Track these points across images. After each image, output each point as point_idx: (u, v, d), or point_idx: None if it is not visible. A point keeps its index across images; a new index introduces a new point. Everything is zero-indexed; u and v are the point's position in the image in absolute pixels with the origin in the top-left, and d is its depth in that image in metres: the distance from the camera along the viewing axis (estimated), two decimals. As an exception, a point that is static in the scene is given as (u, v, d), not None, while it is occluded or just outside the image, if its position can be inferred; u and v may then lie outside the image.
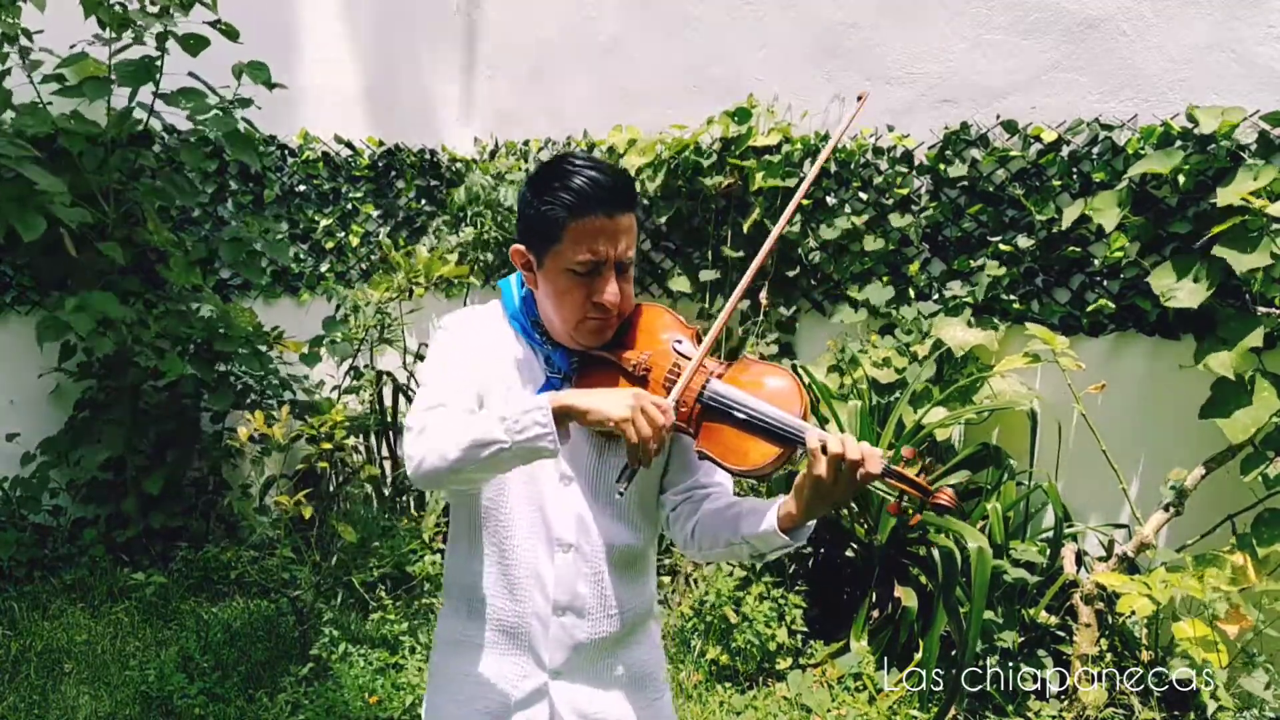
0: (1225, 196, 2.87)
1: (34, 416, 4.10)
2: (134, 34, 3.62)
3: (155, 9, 3.61)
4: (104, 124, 3.80)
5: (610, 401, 1.28)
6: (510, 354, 1.52)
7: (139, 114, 3.86)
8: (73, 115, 3.79)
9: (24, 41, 3.53)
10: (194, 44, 3.72)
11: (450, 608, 1.59)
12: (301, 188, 4.89)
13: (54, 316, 3.62)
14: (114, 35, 3.61)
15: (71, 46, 3.71)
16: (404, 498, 4.65)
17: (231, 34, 3.78)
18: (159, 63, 3.71)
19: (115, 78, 3.66)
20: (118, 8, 3.56)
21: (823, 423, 3.52)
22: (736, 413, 1.39)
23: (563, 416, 1.29)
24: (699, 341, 1.49)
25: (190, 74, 3.81)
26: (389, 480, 4.64)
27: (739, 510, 1.45)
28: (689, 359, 1.45)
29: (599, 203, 1.37)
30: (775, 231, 1.48)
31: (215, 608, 3.77)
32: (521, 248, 1.47)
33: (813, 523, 1.37)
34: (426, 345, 5.14)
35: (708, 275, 4.29)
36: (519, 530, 1.49)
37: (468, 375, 1.47)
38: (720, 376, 1.44)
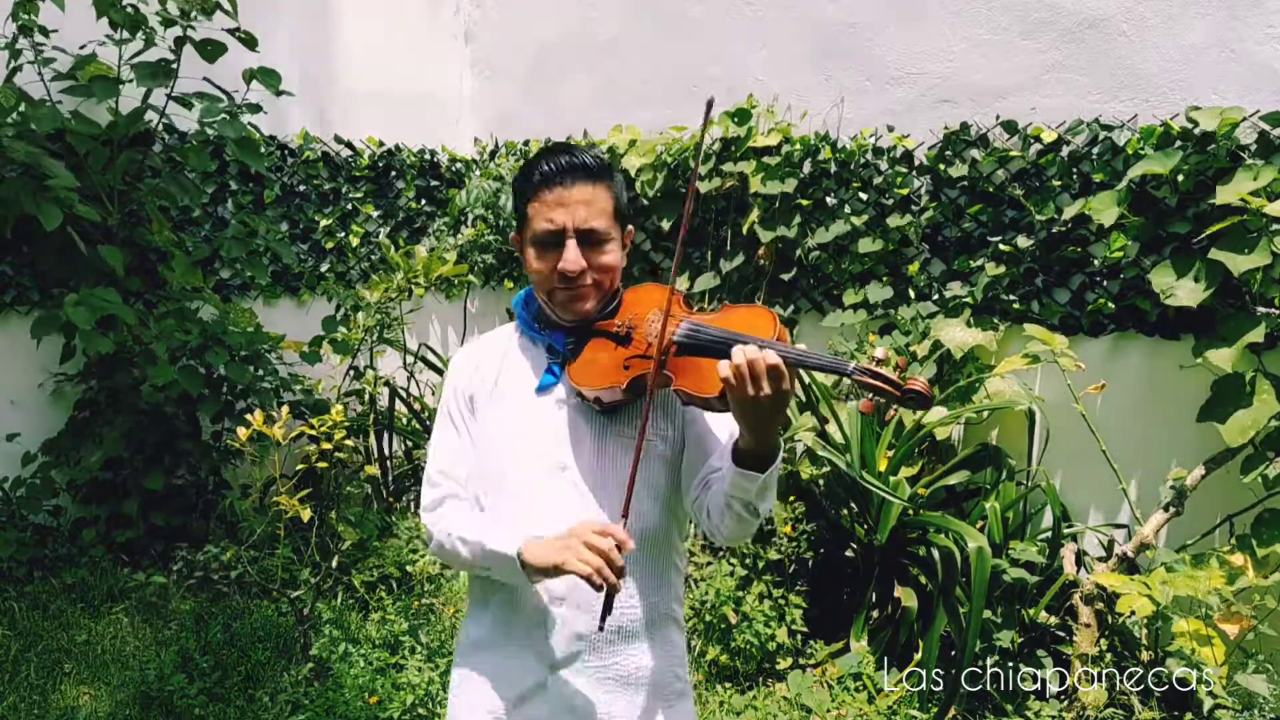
0: (1224, 195, 2.87)
1: (34, 417, 4.10)
2: (145, 36, 3.63)
3: (174, 12, 3.62)
4: (105, 124, 3.80)
5: (547, 550, 1.38)
6: (517, 360, 1.62)
7: (148, 115, 3.86)
8: (73, 115, 3.80)
9: (39, 38, 3.54)
10: (210, 50, 3.73)
11: (473, 613, 1.63)
12: (301, 188, 4.89)
13: (51, 313, 3.61)
14: (126, 37, 3.61)
15: (81, 47, 3.72)
16: (404, 498, 4.66)
17: (250, 42, 3.78)
18: (175, 65, 3.72)
19: (129, 78, 3.67)
20: (130, 9, 3.56)
21: (822, 423, 3.53)
22: (703, 342, 1.41)
23: (526, 568, 1.42)
24: (688, 307, 1.53)
25: (205, 79, 3.82)
26: (389, 480, 4.64)
27: (720, 475, 1.44)
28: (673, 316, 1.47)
29: (553, 177, 1.48)
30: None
31: (215, 608, 3.77)
32: (515, 235, 1.59)
33: (776, 453, 1.34)
34: (426, 345, 5.14)
35: (708, 278, 4.29)
36: (527, 524, 1.49)
37: (460, 438, 1.62)
38: (694, 318, 1.47)
